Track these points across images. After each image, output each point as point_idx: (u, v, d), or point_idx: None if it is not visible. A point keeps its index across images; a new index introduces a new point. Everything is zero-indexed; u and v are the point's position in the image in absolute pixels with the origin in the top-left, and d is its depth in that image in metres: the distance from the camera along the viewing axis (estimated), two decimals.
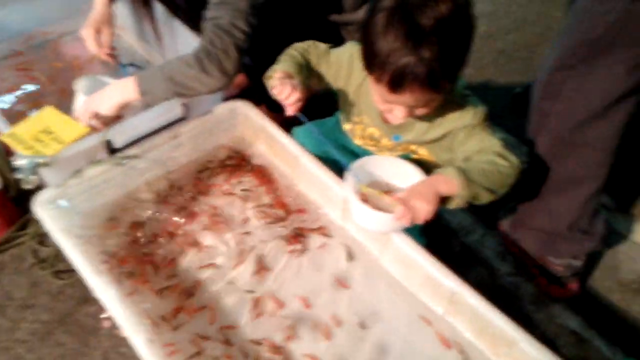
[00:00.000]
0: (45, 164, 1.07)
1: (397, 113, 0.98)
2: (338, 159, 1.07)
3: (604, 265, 1.41)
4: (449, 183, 0.95)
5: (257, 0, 1.17)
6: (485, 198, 0.98)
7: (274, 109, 1.28)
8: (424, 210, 0.94)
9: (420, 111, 0.98)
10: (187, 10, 1.35)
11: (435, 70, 0.87)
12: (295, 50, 1.13)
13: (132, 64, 1.35)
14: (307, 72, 1.10)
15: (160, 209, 1.18)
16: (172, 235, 1.14)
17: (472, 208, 1.50)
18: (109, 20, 1.38)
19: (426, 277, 1.03)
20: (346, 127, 1.23)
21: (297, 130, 1.26)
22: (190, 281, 1.07)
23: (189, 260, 1.11)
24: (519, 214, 1.37)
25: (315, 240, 1.15)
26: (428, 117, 1.04)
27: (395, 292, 1.08)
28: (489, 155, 0.99)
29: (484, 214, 1.50)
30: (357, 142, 1.22)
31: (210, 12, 1.15)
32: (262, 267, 1.10)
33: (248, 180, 1.26)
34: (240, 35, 1.15)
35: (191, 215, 1.18)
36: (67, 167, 1.10)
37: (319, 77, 1.15)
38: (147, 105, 1.18)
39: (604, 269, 1.41)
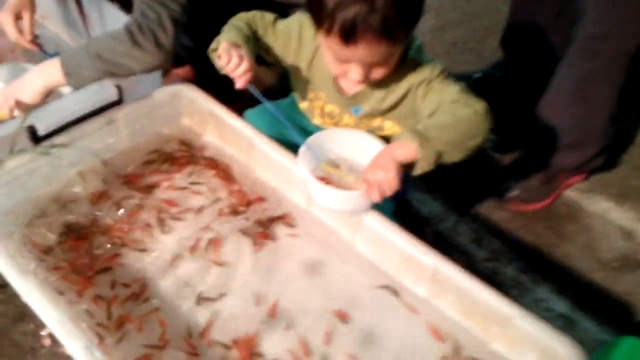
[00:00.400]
0: None
1: (353, 75, 0.88)
2: (297, 140, 0.96)
3: (582, 246, 1.35)
4: (405, 147, 0.85)
5: None
6: (454, 155, 0.87)
7: (223, 99, 1.16)
8: (387, 181, 0.84)
9: (378, 72, 0.89)
10: None
11: (390, 17, 0.79)
12: (240, 20, 1.02)
13: (59, 53, 1.19)
14: (255, 43, 1.00)
15: (98, 205, 1.02)
16: (112, 233, 0.98)
17: (443, 197, 1.46)
18: (29, 4, 1.23)
19: (404, 257, 0.92)
20: (303, 105, 1.13)
21: (249, 112, 1.14)
22: (136, 285, 0.91)
23: (133, 261, 0.95)
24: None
25: (280, 229, 1.02)
26: (385, 83, 0.96)
27: (373, 277, 0.95)
28: (448, 106, 0.90)
29: (456, 200, 1.43)
30: (316, 121, 1.11)
31: None
32: (221, 264, 0.96)
33: (199, 172, 1.12)
34: (176, 7, 1.03)
35: (134, 211, 1.02)
36: None
37: (267, 49, 1.04)
38: (74, 88, 1.04)
39: (583, 250, 1.34)
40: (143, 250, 0.96)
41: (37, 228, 0.96)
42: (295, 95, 1.14)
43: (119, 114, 1.07)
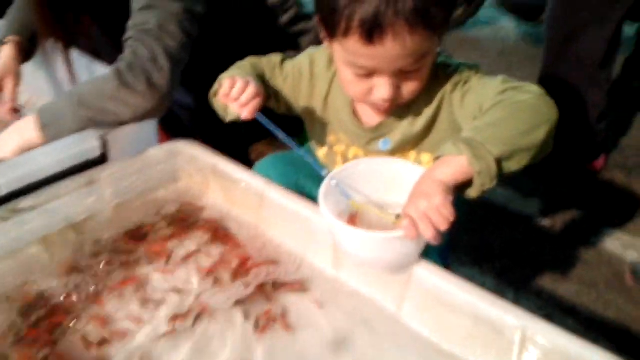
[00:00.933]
0: None
1: (379, 91, 0.72)
2: (315, 193, 0.77)
3: None
4: (452, 163, 0.64)
5: (196, 8, 0.95)
6: (520, 158, 0.65)
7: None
8: (433, 209, 0.61)
9: (410, 85, 0.73)
10: (112, 47, 1.10)
11: None
12: (244, 62, 0.88)
13: None
14: (262, 84, 0.84)
15: (67, 281, 0.80)
16: (81, 315, 0.75)
17: (494, 269, 1.21)
18: (13, 73, 1.12)
19: (477, 320, 0.67)
20: (321, 154, 0.94)
21: (259, 163, 0.96)
22: None
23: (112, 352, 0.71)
24: None
25: (292, 299, 0.78)
26: (412, 101, 0.78)
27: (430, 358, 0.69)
28: (495, 99, 0.69)
29: (510, 272, 1.18)
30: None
31: (133, 20, 0.91)
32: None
33: (196, 238, 0.90)
34: (172, 43, 0.89)
35: (110, 288, 0.80)
36: None
37: (276, 94, 0.89)
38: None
39: None
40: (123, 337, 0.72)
41: None
42: (312, 144, 0.97)
43: (102, 173, 0.89)
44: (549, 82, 1.45)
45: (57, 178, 0.85)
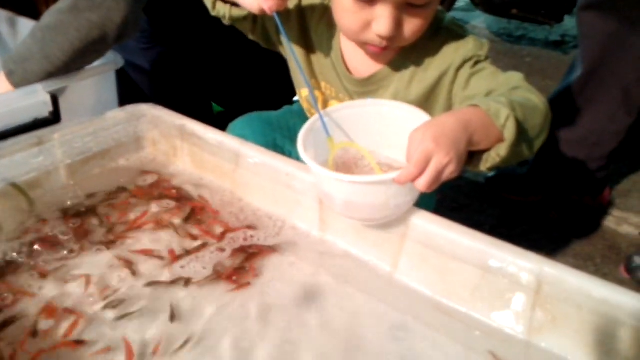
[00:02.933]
0: None
1: (379, 25, 0.64)
2: (295, 154, 0.69)
3: None
4: (488, 128, 0.57)
5: None
6: (526, 149, 0.62)
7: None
8: (445, 163, 0.54)
9: (412, 24, 0.65)
10: None
11: None
12: None
13: None
14: None
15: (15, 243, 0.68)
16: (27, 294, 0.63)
17: None
18: None
19: (485, 271, 0.59)
20: (304, 94, 0.84)
21: (233, 124, 0.87)
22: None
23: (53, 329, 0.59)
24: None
25: (275, 260, 0.68)
26: (412, 57, 0.72)
27: (441, 322, 0.61)
28: (514, 90, 0.64)
29: None
30: None
31: None
32: (177, 317, 0.61)
33: (164, 207, 0.80)
34: None
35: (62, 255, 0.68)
36: None
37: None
38: None
39: None
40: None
41: None
42: (296, 89, 0.87)
43: (53, 134, 0.79)
44: (573, 97, 1.24)
45: (3, 136, 0.74)
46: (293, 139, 0.84)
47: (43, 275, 0.65)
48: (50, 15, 0.82)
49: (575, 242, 1.17)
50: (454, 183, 1.10)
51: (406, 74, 0.73)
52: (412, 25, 0.66)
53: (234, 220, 0.76)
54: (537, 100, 0.63)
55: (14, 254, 0.67)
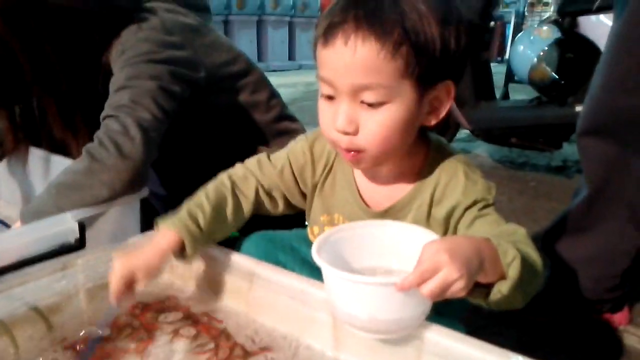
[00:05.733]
0: None
1: (337, 116, 0.68)
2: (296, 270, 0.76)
3: None
4: (496, 261, 0.60)
5: (172, 87, 0.97)
6: (520, 298, 0.63)
7: None
8: (455, 277, 0.56)
9: (370, 122, 0.68)
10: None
11: (386, 8, 0.64)
12: (209, 187, 0.84)
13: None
14: (222, 219, 0.83)
15: None
16: None
17: None
18: None
19: None
20: (316, 231, 0.88)
21: (243, 244, 0.90)
22: None
23: None
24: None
25: None
26: (427, 190, 0.76)
27: None
28: (519, 244, 0.65)
29: None
30: None
31: (108, 101, 0.93)
32: None
33: (183, 332, 0.80)
34: (145, 115, 0.90)
35: None
36: None
37: (269, 192, 0.87)
38: None
39: None
40: None
41: None
42: (308, 222, 0.91)
43: (77, 260, 0.82)
44: (580, 217, 1.26)
45: (28, 262, 0.78)
46: (296, 259, 0.87)
47: None
48: (65, 175, 0.91)
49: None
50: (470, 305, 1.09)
51: (423, 206, 0.76)
52: (370, 126, 0.68)
53: (250, 343, 0.75)
54: (536, 257, 0.65)
55: None
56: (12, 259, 0.77)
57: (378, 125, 0.68)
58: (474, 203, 0.73)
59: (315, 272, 0.73)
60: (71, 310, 0.79)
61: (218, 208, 0.81)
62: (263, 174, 0.85)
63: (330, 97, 0.70)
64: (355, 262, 0.70)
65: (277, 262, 0.85)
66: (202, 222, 0.78)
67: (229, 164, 1.15)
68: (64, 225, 0.82)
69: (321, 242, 0.66)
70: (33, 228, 0.80)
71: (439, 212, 0.75)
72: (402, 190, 0.78)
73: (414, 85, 0.67)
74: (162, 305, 0.84)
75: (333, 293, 0.64)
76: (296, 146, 0.86)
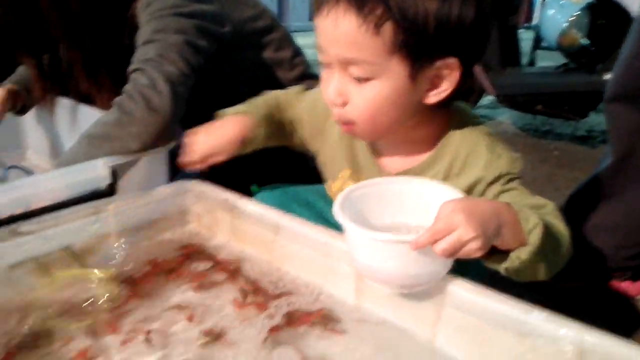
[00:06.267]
0: None
1: (328, 86, 0.69)
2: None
3: None
4: (516, 226, 0.60)
5: (198, 42, 0.97)
6: (542, 270, 0.64)
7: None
8: (470, 237, 0.56)
9: (356, 95, 0.68)
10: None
11: None
12: (258, 98, 0.89)
13: (16, 166, 1.02)
14: (271, 124, 0.86)
15: (66, 316, 0.71)
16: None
17: None
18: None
19: (527, 339, 0.58)
20: (335, 188, 0.88)
21: (259, 196, 0.92)
22: None
23: None
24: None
25: (315, 331, 0.69)
26: (444, 159, 0.74)
27: None
28: (546, 216, 0.64)
29: None
30: None
31: (135, 55, 0.94)
32: None
33: (208, 280, 0.82)
34: (172, 69, 0.91)
35: (112, 328, 0.71)
36: None
37: (292, 123, 0.89)
38: None
39: None
40: None
41: None
42: (326, 177, 0.92)
43: (108, 205, 0.85)
44: (604, 184, 1.25)
45: (62, 206, 0.81)
46: (311, 213, 0.88)
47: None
48: (96, 126, 0.93)
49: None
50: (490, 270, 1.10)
51: (437, 176, 0.74)
52: (357, 101, 0.68)
53: (273, 288, 0.78)
54: (563, 229, 0.64)
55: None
56: (47, 202, 0.80)
57: (364, 100, 0.67)
58: (498, 178, 0.71)
59: (330, 228, 0.76)
60: (103, 253, 0.83)
61: (269, 111, 0.87)
62: (289, 104, 0.88)
63: (328, 65, 0.70)
64: (376, 219, 0.71)
65: (293, 213, 0.86)
66: (261, 115, 0.84)
67: None
68: (96, 172, 0.84)
69: (343, 199, 0.67)
70: (67, 172, 0.83)
71: (457, 184, 0.72)
72: (416, 158, 0.77)
73: (404, 63, 0.64)
74: (191, 253, 0.87)
75: (353, 248, 0.66)
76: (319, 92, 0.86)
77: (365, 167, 0.82)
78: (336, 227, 0.75)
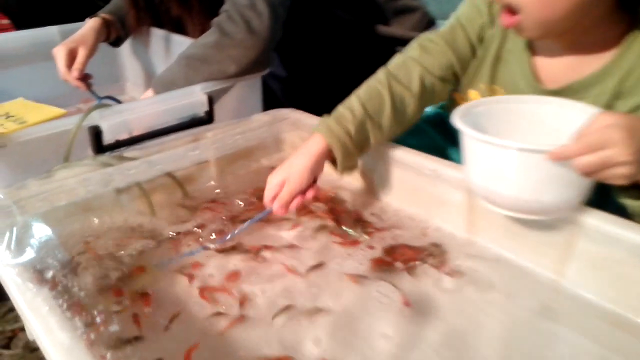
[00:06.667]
0: None
1: None
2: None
3: None
4: None
5: None
6: None
7: None
8: (622, 160, 0.48)
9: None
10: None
11: None
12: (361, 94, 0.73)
13: (110, 97, 1.02)
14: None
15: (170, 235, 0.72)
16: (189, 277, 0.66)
17: None
18: (88, 43, 1.10)
19: None
20: (473, 95, 0.76)
21: None
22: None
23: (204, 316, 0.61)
24: None
25: (422, 269, 0.65)
26: (615, 75, 0.61)
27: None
28: None
29: None
30: None
31: None
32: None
33: (305, 211, 0.80)
34: None
35: (220, 249, 0.71)
36: (24, 159, 0.70)
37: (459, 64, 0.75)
38: None
39: None
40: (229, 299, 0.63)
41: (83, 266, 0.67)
42: (460, 87, 0.78)
43: (207, 133, 0.84)
44: None
45: (162, 132, 0.81)
46: (420, 139, 0.81)
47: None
48: (196, 47, 0.91)
49: None
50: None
51: (602, 96, 0.62)
52: (530, 4, 0.57)
53: (377, 220, 0.74)
54: None
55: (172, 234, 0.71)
56: (147, 127, 0.80)
57: (541, 5, 0.57)
58: None
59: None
60: (204, 180, 0.82)
61: (372, 109, 0.71)
62: (429, 55, 0.74)
63: None
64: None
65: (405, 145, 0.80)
66: (351, 127, 0.69)
67: (349, 44, 1.10)
68: (194, 98, 0.83)
69: (463, 112, 0.60)
70: (165, 98, 0.82)
71: (622, 107, 0.61)
72: (582, 70, 0.64)
73: None
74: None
75: (472, 163, 0.59)
76: (469, 8, 0.74)
77: (515, 77, 0.70)
78: (448, 158, 0.69)
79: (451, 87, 0.76)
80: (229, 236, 0.69)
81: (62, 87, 1.10)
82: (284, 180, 0.68)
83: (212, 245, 0.69)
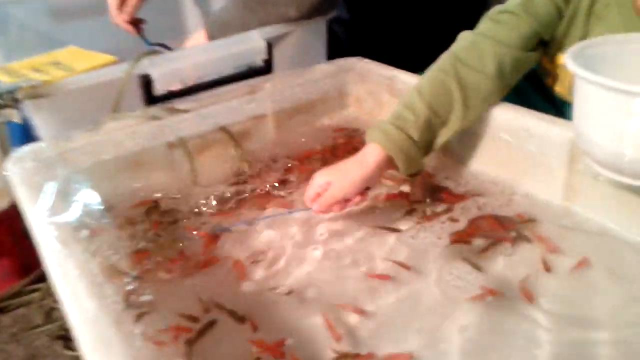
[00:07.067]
0: (34, 94, 0.63)
1: None
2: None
3: None
4: None
5: None
6: None
7: None
8: None
9: None
10: None
11: None
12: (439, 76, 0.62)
13: (161, 44, 0.95)
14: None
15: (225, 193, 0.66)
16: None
17: None
18: None
19: None
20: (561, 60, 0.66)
21: None
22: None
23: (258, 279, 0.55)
24: None
25: (504, 247, 0.55)
26: None
27: None
28: None
29: None
30: (559, 88, 0.67)
31: None
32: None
33: None
34: None
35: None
36: (70, 109, 0.66)
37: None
38: None
39: None
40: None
41: (131, 223, 0.62)
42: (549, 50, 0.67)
43: (265, 84, 0.76)
44: None
45: (217, 83, 0.74)
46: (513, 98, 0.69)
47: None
48: None
49: None
50: None
51: None
52: None
53: (455, 186, 0.65)
54: None
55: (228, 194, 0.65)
56: (203, 75, 0.73)
57: None
58: None
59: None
60: (260, 135, 0.76)
61: (438, 106, 0.60)
62: (505, 27, 0.62)
63: None
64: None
65: None
66: (414, 132, 0.59)
67: None
68: (252, 44, 0.75)
69: (575, 54, 0.48)
70: (220, 45, 0.75)
71: None
72: None
73: None
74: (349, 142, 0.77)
75: (586, 116, 0.48)
76: None
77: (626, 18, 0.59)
78: None
79: (538, 55, 0.64)
80: (252, 222, 0.61)
81: (122, 41, 1.06)
82: (329, 182, 0.59)
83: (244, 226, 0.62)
